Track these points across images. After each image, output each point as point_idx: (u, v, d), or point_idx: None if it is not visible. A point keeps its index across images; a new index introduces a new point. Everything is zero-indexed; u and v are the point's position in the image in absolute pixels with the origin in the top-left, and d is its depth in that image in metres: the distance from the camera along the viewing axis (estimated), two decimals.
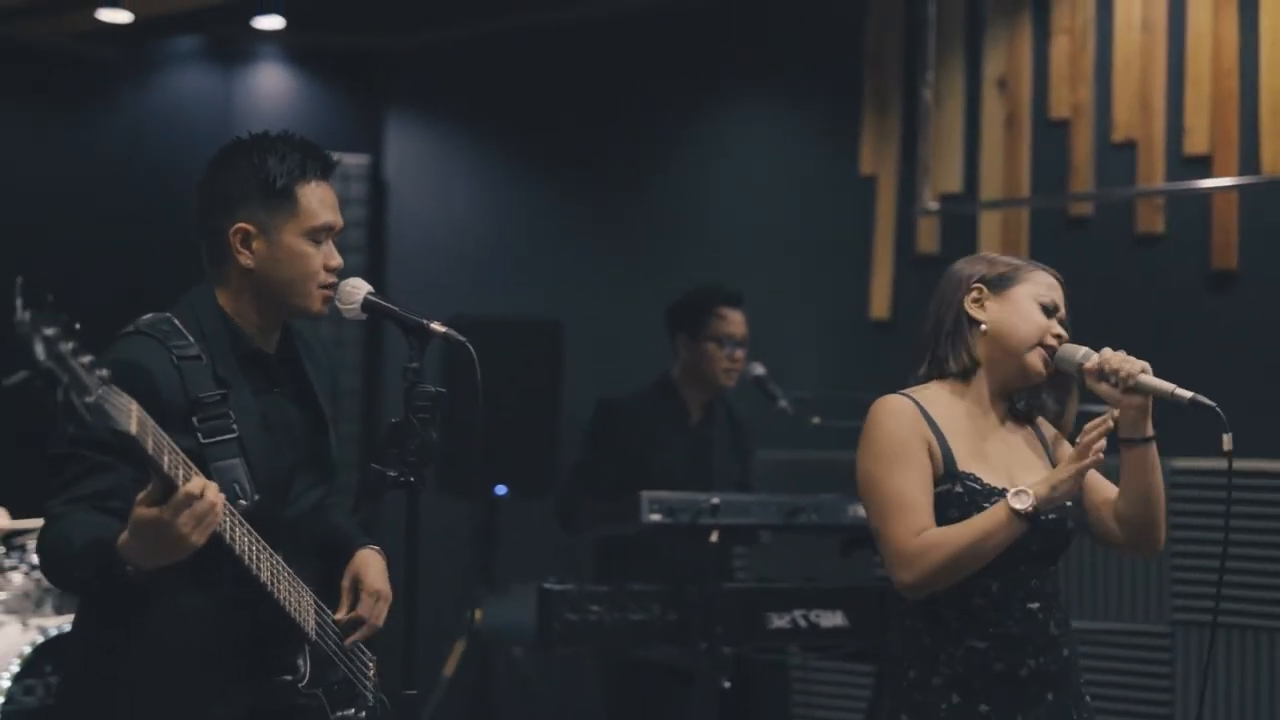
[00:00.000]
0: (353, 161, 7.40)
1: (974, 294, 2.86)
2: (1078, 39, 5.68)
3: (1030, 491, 2.68)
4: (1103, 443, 2.69)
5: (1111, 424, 2.72)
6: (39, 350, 2.03)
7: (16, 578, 5.47)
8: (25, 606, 5.39)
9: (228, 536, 2.48)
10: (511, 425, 5.91)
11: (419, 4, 7.13)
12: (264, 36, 7.64)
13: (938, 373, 2.89)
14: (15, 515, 5.56)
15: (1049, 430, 2.99)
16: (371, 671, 2.88)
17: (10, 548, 5.54)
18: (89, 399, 2.08)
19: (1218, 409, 2.73)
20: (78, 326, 2.11)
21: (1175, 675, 5.26)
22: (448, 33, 7.50)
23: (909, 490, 2.74)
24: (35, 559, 5.50)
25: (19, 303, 2.03)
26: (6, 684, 5.03)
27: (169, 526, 2.29)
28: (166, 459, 2.29)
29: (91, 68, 7.46)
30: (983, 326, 2.84)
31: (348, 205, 2.96)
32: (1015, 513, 2.66)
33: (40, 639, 5.14)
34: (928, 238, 5.98)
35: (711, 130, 6.81)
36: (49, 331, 2.04)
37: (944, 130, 6.00)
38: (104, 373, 2.13)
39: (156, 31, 7.25)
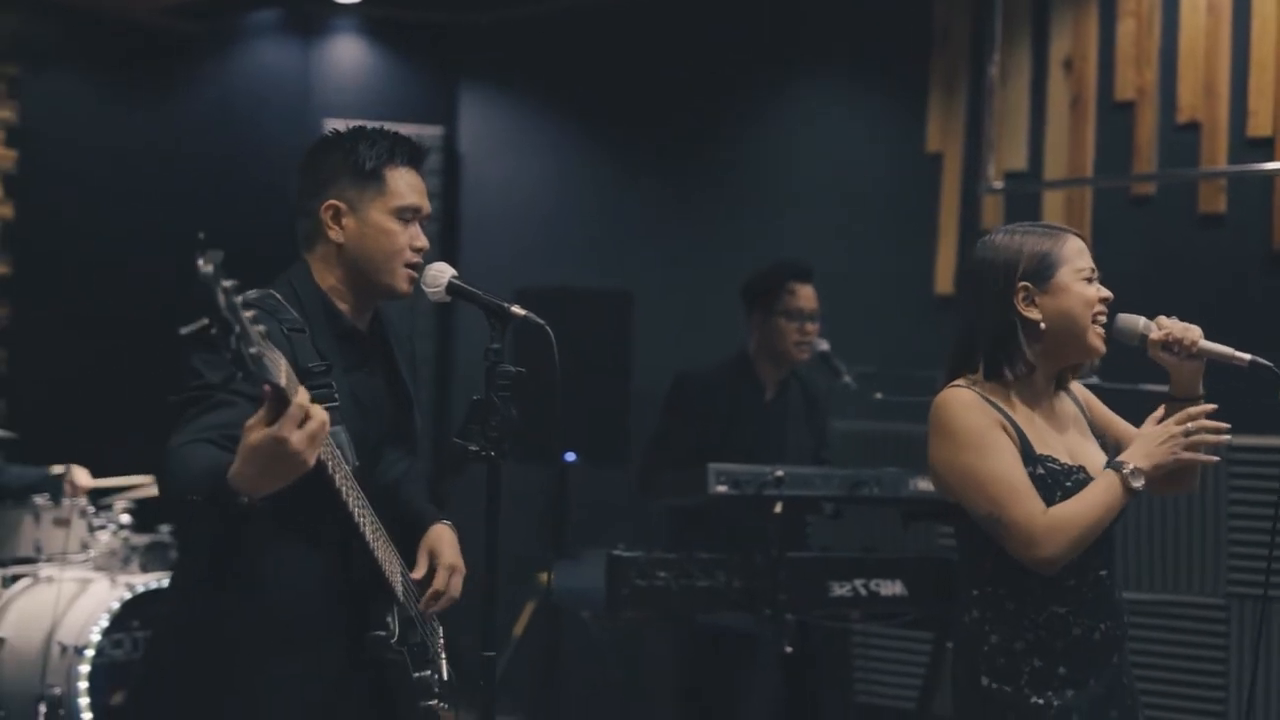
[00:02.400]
0: (427, 133, 7.53)
1: (1021, 294, 2.87)
2: (1144, 21, 5.72)
3: (1142, 470, 2.79)
4: (1207, 436, 2.82)
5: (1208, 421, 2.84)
6: (221, 300, 2.11)
7: (104, 537, 5.70)
8: (113, 564, 5.62)
9: (344, 493, 2.61)
10: (580, 393, 6.03)
11: None
12: (341, 10, 7.79)
13: (993, 377, 2.91)
14: (95, 476, 5.80)
15: (1080, 391, 3.08)
16: (441, 642, 3.01)
17: (99, 508, 5.77)
18: (253, 350, 2.17)
19: (1274, 368, 2.87)
20: (240, 283, 2.19)
21: (1230, 647, 5.33)
22: (521, 6, 7.61)
23: (1012, 472, 2.80)
24: (123, 519, 5.74)
25: (201, 258, 2.11)
26: (97, 638, 5.26)
27: (283, 443, 2.29)
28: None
29: (174, 42, 7.64)
30: (1041, 325, 2.87)
31: (422, 176, 3.10)
32: (1130, 490, 2.78)
33: (128, 595, 5.36)
34: (992, 215, 6.04)
35: (781, 107, 6.87)
36: (227, 284, 2.12)
37: (1010, 110, 6.06)
38: (263, 328, 2.22)
39: (237, 6, 7.42)
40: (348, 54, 7.98)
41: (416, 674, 2.85)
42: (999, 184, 6.04)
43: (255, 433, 2.31)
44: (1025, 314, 2.86)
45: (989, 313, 2.88)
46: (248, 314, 2.16)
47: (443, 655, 3.00)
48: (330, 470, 2.55)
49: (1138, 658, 5.17)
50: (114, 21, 7.44)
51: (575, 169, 7.56)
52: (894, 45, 6.48)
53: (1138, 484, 2.79)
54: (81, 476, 5.67)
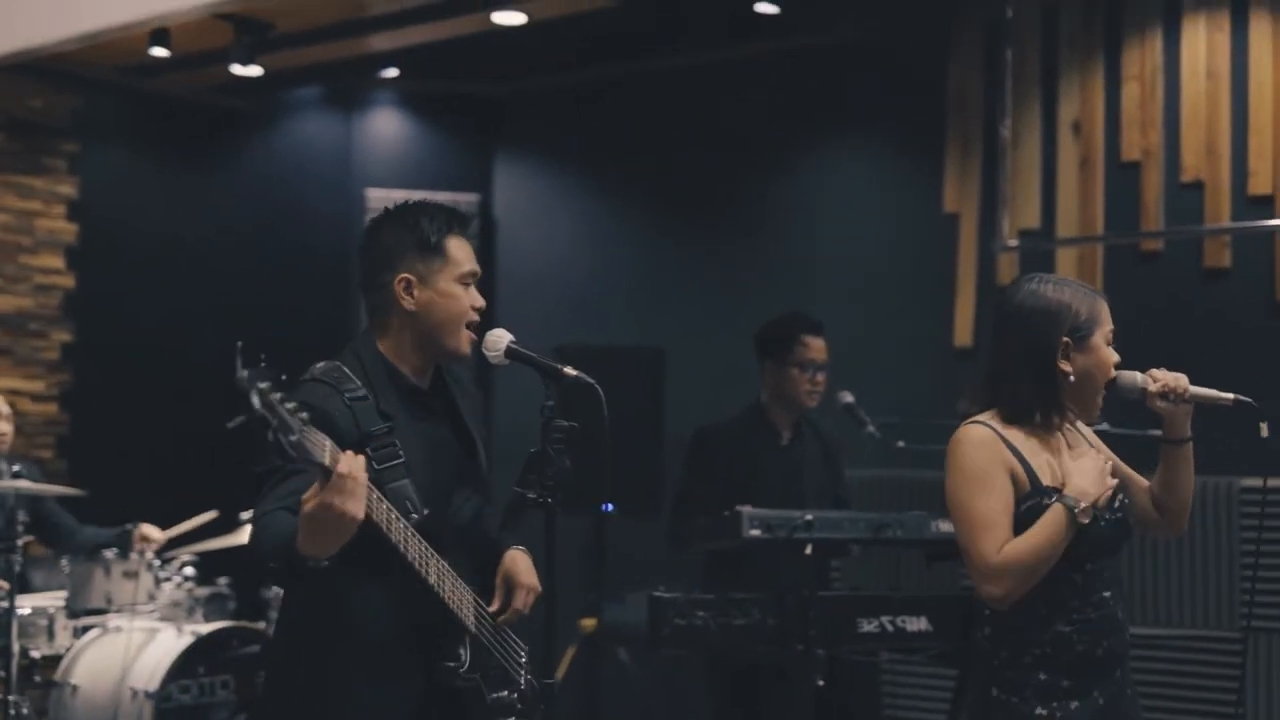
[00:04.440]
0: (463, 200, 7.83)
1: (1062, 348, 3.14)
2: (1147, 86, 6.01)
3: (1089, 506, 3.06)
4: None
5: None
6: (254, 400, 2.52)
7: (169, 588, 5.99)
8: (178, 614, 5.91)
9: (401, 547, 2.92)
10: (615, 446, 6.23)
11: (526, 52, 7.56)
12: (380, 84, 8.13)
13: (1017, 418, 3.18)
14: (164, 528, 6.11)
15: (1083, 428, 3.34)
16: (524, 659, 3.29)
17: (164, 561, 6.07)
18: (293, 438, 2.57)
19: (1253, 402, 3.15)
20: (284, 378, 2.59)
21: (1246, 680, 5.52)
22: (552, 79, 7.94)
23: (991, 512, 3.08)
24: (187, 571, 6.04)
25: (239, 362, 2.53)
26: (166, 683, 5.53)
27: (330, 508, 2.66)
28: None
29: (223, 118, 8.02)
30: (1071, 378, 3.15)
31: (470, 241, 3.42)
32: (1074, 520, 3.04)
33: (193, 642, 5.64)
34: (1008, 271, 6.30)
35: (805, 169, 7.17)
36: (262, 385, 2.53)
37: (1022, 171, 6.34)
38: (304, 415, 2.61)
39: (281, 83, 7.77)
40: (387, 126, 8.30)
41: (494, 695, 3.13)
42: (1014, 242, 6.30)
43: (309, 504, 2.71)
44: (1060, 366, 3.14)
45: (1030, 359, 3.15)
46: (288, 405, 2.57)
47: (524, 671, 3.27)
48: (386, 528, 2.88)
49: (1157, 689, 5.40)
50: (167, 100, 7.81)
51: (605, 232, 7.84)
52: (911, 111, 6.77)
53: (1085, 520, 3.05)
54: (151, 532, 5.98)
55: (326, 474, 2.67)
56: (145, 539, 5.93)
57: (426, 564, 2.99)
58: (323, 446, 2.65)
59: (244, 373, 2.53)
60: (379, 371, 3.16)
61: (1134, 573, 5.72)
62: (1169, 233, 5.98)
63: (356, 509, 2.71)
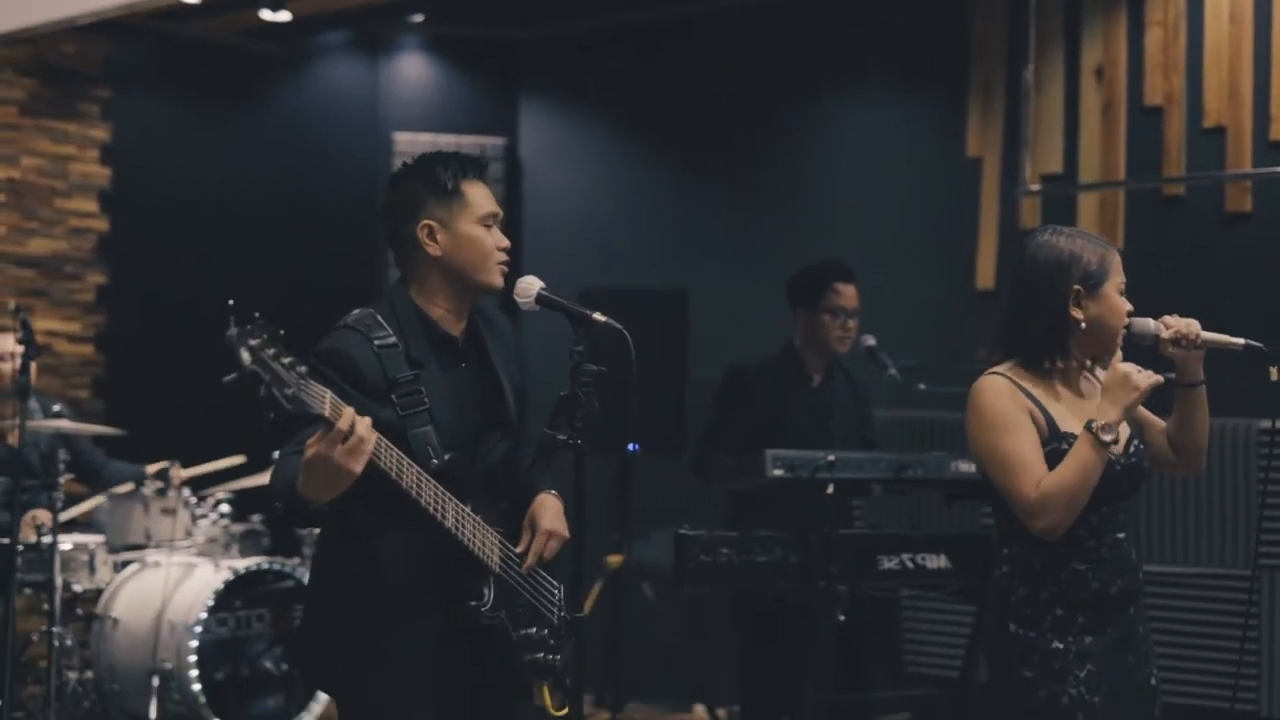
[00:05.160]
0: (489, 143, 7.89)
1: (1072, 296, 3.25)
2: (1170, 30, 6.03)
3: (1111, 422, 3.14)
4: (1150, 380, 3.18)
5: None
6: (244, 356, 2.64)
7: (206, 525, 6.14)
8: (215, 550, 6.07)
9: (414, 493, 3.02)
10: (640, 388, 6.33)
11: None
12: (407, 28, 8.17)
13: (1031, 364, 3.29)
14: (186, 466, 6.25)
15: (1101, 373, 3.43)
16: (557, 596, 3.39)
17: (201, 499, 6.21)
18: (288, 391, 2.69)
19: (1263, 347, 3.24)
20: (282, 333, 2.71)
21: (1261, 617, 5.60)
22: (577, 23, 7.97)
23: (1022, 450, 3.19)
24: (223, 509, 6.19)
25: (231, 319, 2.64)
26: (204, 616, 5.69)
27: (328, 459, 2.79)
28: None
29: (252, 63, 8.09)
30: (1082, 325, 3.26)
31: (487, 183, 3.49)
32: (1102, 443, 3.13)
33: (230, 577, 5.80)
34: (1030, 216, 6.35)
35: (829, 114, 7.21)
36: (253, 341, 2.65)
37: (1045, 116, 6.37)
38: (302, 369, 2.72)
39: (309, 28, 7.82)
40: (414, 70, 8.34)
41: (522, 631, 3.24)
42: (1036, 186, 6.35)
43: (309, 450, 2.82)
44: (1071, 313, 3.24)
45: (1041, 307, 3.26)
46: (284, 360, 2.69)
47: (558, 608, 3.36)
48: (396, 474, 2.99)
49: (1172, 625, 5.50)
50: (197, 46, 7.88)
51: (631, 176, 7.89)
52: (935, 56, 6.81)
53: (1107, 437, 3.13)
54: (173, 470, 6.11)
55: (329, 424, 2.78)
56: (176, 479, 6.08)
57: (443, 508, 3.09)
58: (322, 399, 2.76)
59: (233, 330, 2.64)
60: (411, 318, 3.24)
61: (1151, 512, 5.80)
62: (1191, 178, 6.01)
63: (353, 463, 2.82)
